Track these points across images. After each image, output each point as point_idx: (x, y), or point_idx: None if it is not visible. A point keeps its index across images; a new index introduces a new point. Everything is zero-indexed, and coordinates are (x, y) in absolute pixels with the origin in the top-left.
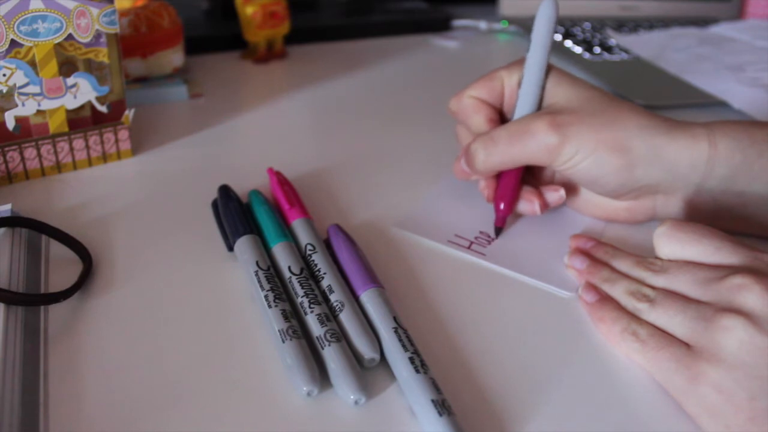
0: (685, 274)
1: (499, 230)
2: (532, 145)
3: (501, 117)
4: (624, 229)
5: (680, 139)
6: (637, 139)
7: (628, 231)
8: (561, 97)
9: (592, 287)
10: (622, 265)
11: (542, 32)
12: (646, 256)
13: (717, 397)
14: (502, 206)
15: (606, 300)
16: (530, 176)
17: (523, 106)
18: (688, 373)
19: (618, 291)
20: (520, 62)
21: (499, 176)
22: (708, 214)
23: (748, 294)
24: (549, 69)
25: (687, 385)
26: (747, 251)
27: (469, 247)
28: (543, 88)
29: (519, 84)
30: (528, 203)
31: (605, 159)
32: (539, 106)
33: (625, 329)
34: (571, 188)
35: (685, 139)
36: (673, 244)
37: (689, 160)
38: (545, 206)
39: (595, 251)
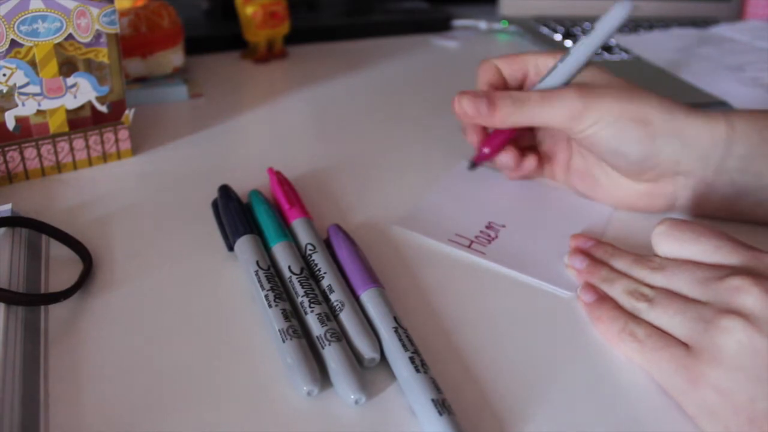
0: (684, 272)
1: (473, 165)
2: (558, 106)
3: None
4: (625, 228)
5: (699, 119)
6: (659, 114)
7: (630, 230)
8: (588, 77)
9: (590, 287)
10: (621, 263)
11: (607, 27)
12: (646, 254)
13: (716, 398)
14: (486, 150)
15: (604, 299)
16: (547, 155)
17: (557, 75)
18: (687, 374)
19: (617, 290)
20: (550, 52)
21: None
22: (727, 199)
23: (747, 296)
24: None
25: (687, 386)
26: (746, 251)
27: (469, 246)
28: (578, 72)
29: (549, 68)
30: (508, 156)
31: (627, 128)
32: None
33: (623, 329)
34: (591, 179)
35: (703, 119)
36: (671, 242)
37: (709, 137)
38: (518, 164)
39: (595, 251)
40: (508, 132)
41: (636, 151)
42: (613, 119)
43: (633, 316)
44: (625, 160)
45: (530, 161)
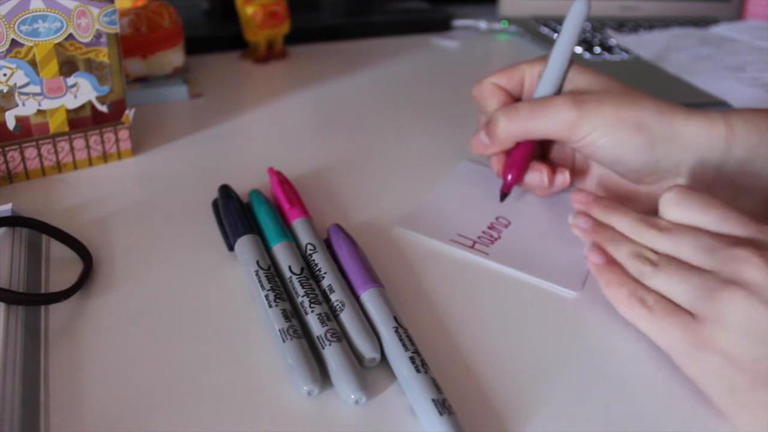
0: (689, 238)
1: (504, 195)
2: (552, 117)
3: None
4: None
5: (697, 121)
6: (656, 119)
7: None
8: (583, 82)
9: (598, 248)
10: (624, 223)
11: (572, 25)
12: (650, 215)
13: (721, 361)
14: (510, 177)
15: (612, 263)
16: (549, 159)
17: (544, 86)
18: (693, 340)
19: (622, 253)
20: (542, 58)
21: (510, 150)
22: (727, 197)
23: (749, 266)
24: (572, 62)
25: (692, 351)
26: (753, 224)
27: (472, 247)
28: (564, 76)
29: (539, 76)
30: (538, 173)
31: (625, 137)
32: (559, 91)
33: (632, 294)
34: (586, 171)
35: (702, 121)
36: (680, 209)
37: (707, 140)
38: (553, 181)
39: (596, 207)
40: (523, 150)
41: (635, 158)
42: (610, 127)
43: (640, 283)
44: (625, 168)
45: (563, 177)
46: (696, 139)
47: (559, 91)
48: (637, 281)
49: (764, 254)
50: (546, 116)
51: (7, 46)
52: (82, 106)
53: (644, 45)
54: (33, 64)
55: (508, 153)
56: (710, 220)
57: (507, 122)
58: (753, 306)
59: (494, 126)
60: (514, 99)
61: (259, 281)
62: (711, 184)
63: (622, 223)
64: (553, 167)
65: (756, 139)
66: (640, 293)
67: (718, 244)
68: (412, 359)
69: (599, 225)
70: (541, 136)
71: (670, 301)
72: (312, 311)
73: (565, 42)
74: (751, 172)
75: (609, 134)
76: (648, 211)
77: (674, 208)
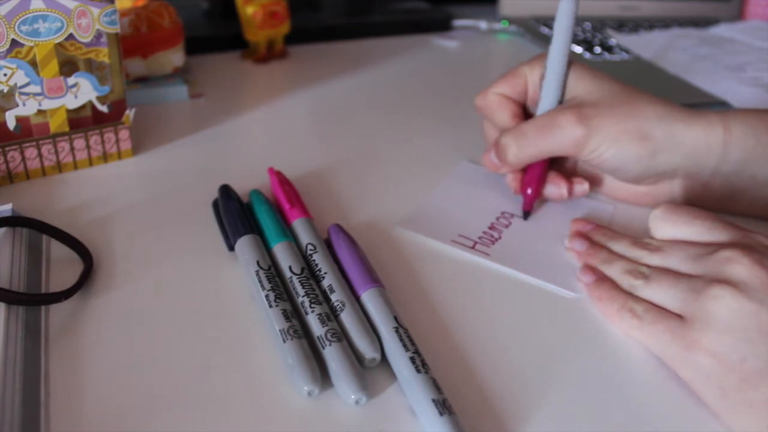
0: (678, 251)
1: (527, 214)
2: (559, 137)
3: (525, 112)
4: (627, 226)
5: (697, 126)
6: (657, 128)
7: (634, 217)
8: (583, 90)
9: (589, 268)
10: (619, 246)
11: (563, 27)
12: (642, 238)
13: (710, 361)
14: (529, 191)
15: (603, 280)
16: (554, 166)
17: (546, 99)
18: (683, 342)
19: (615, 271)
20: (541, 57)
21: (526, 167)
22: (724, 197)
23: (735, 265)
24: (570, 63)
25: (682, 353)
26: (737, 230)
27: (473, 247)
28: (565, 81)
29: (541, 79)
30: (556, 187)
31: (628, 148)
32: (561, 99)
33: (622, 307)
34: (594, 178)
35: (701, 126)
36: (667, 225)
37: (705, 145)
38: (572, 192)
39: (594, 234)
40: (538, 167)
41: (637, 167)
42: (614, 140)
43: (631, 295)
44: (626, 174)
45: (582, 187)
46: (695, 144)
47: (562, 97)
48: (628, 294)
49: (750, 254)
50: (553, 137)
51: (8, 46)
52: (83, 106)
53: (644, 45)
54: (33, 64)
55: (524, 170)
56: (697, 231)
57: (517, 149)
58: (739, 303)
59: (504, 152)
60: (522, 106)
61: (260, 281)
62: (708, 184)
63: (617, 245)
64: (569, 177)
65: (753, 141)
66: (629, 305)
67: (705, 251)
68: (412, 359)
69: (594, 247)
70: (551, 155)
71: (660, 308)
72: (312, 311)
73: (559, 46)
74: (748, 173)
75: (613, 146)
76: (647, 208)
77: (662, 224)
